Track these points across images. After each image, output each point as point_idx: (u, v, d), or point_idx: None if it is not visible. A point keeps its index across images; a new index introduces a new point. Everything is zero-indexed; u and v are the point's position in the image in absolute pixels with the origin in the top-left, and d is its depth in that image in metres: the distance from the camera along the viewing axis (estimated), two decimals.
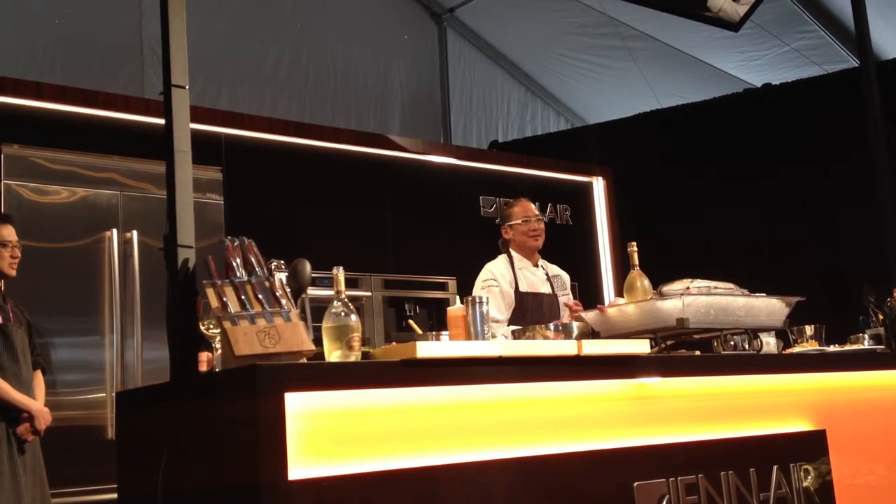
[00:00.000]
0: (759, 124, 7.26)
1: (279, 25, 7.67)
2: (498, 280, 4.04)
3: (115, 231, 4.75)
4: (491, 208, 6.45)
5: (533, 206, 4.30)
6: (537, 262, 4.24)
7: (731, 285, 3.51)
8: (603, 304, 3.75)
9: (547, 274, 4.23)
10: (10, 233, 3.81)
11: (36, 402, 3.74)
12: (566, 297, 4.23)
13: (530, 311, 4.01)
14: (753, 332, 3.47)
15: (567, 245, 6.77)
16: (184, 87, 2.76)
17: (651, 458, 2.84)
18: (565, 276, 4.34)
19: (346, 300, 2.53)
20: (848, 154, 6.62)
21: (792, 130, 7.10)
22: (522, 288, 4.08)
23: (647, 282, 3.49)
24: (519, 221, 4.17)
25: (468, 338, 2.79)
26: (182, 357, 2.60)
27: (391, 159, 6.11)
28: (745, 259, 7.19)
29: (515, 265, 4.13)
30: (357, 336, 2.48)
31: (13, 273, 3.81)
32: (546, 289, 4.17)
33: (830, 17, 7.69)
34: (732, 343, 3.47)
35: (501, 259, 4.19)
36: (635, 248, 3.53)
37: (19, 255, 3.83)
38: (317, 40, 7.90)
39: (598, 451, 2.74)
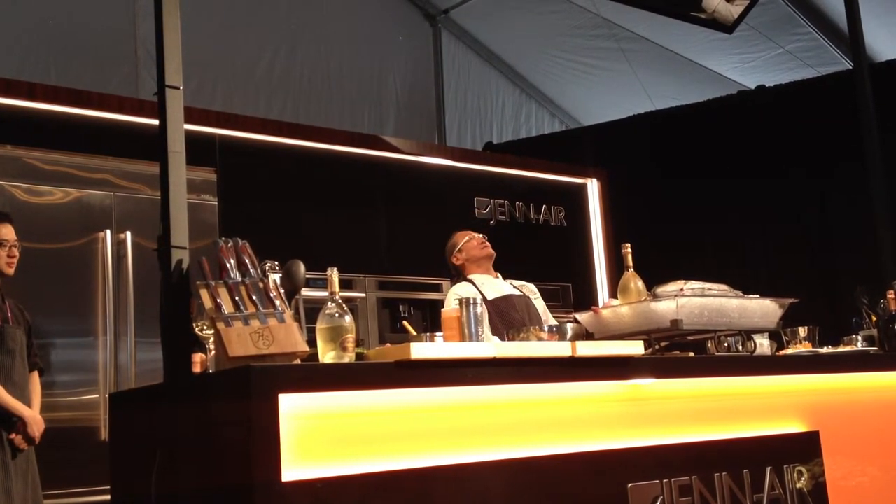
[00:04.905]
0: (752, 126, 7.26)
1: (274, 26, 7.66)
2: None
3: (108, 232, 4.74)
4: (485, 210, 6.45)
5: None
6: (496, 277, 4.22)
7: (724, 287, 3.52)
8: (597, 305, 3.76)
9: (511, 284, 4.20)
10: (8, 231, 3.80)
11: (29, 409, 3.71)
12: (538, 301, 4.19)
13: (506, 314, 3.97)
14: (747, 334, 3.47)
15: (561, 246, 6.78)
16: (178, 88, 2.76)
17: (645, 459, 2.84)
18: (531, 286, 4.31)
19: (340, 301, 2.53)
20: (841, 155, 6.62)
21: (786, 132, 7.11)
22: (491, 297, 4.02)
23: (641, 283, 3.49)
24: (466, 240, 4.23)
25: (462, 339, 2.79)
26: (176, 358, 2.60)
27: (385, 160, 6.10)
28: (739, 260, 7.20)
29: (477, 283, 4.09)
30: (351, 337, 2.48)
31: (11, 272, 3.80)
32: (515, 292, 4.14)
33: (824, 20, 7.71)
34: (726, 344, 3.48)
35: (462, 282, 4.15)
36: (629, 250, 3.53)
37: (17, 254, 3.81)
38: (311, 41, 7.89)
39: (592, 453, 2.74)
